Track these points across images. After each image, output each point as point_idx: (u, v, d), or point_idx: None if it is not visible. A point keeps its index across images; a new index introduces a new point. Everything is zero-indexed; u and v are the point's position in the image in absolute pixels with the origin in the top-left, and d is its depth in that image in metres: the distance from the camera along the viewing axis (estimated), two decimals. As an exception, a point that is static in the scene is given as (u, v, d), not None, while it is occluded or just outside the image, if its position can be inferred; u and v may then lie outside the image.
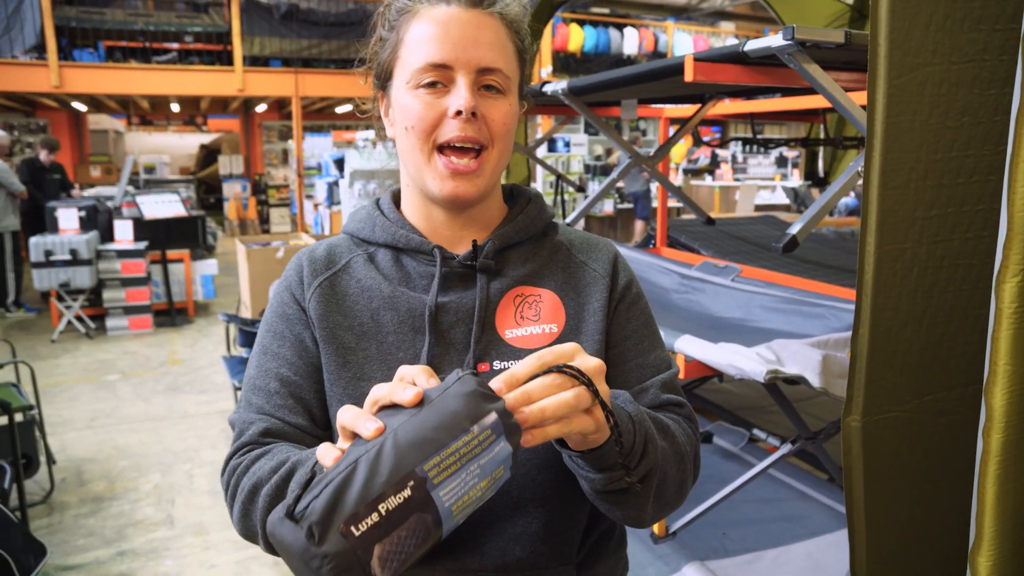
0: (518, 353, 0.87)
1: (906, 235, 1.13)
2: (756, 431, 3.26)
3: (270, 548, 0.80)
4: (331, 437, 0.90)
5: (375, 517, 0.60)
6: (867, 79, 1.05)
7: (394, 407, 0.66)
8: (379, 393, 0.67)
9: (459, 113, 0.81)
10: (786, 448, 1.99)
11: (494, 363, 0.86)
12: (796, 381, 1.71)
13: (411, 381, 0.68)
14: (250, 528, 0.82)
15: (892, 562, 1.30)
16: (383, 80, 0.89)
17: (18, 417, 3.05)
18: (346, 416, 0.66)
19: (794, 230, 1.63)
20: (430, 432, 0.62)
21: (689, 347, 1.83)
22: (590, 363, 0.71)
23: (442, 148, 0.84)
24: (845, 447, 1.22)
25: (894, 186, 1.11)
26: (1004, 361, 0.91)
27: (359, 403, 0.83)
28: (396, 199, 0.96)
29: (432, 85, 0.82)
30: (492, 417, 0.64)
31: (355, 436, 0.65)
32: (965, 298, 1.17)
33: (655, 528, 2.17)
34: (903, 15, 1.05)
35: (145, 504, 3.38)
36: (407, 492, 0.61)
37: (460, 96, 0.81)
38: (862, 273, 1.12)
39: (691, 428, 0.92)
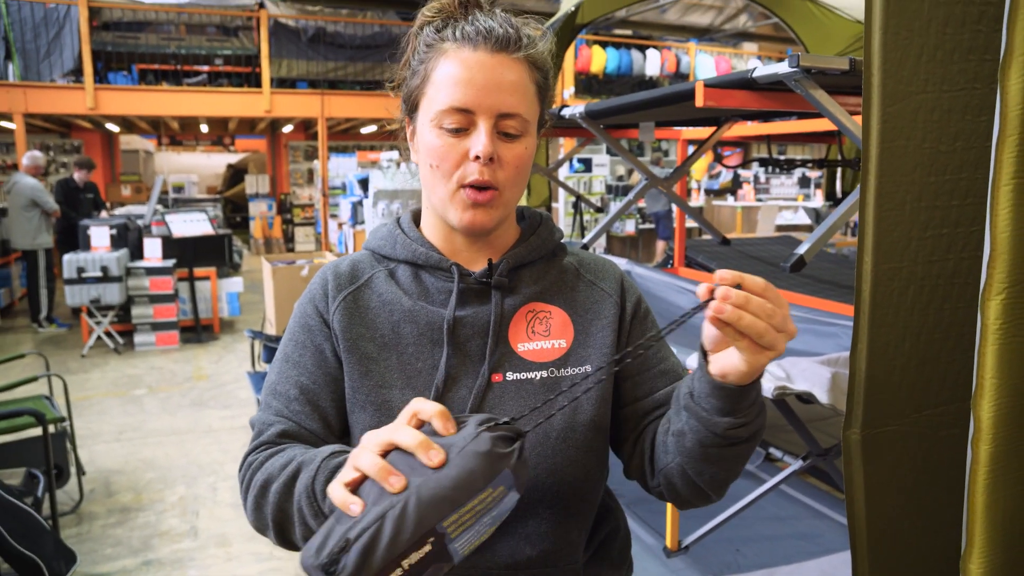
0: (529, 366, 0.93)
1: (902, 255, 1.18)
2: (772, 450, 3.28)
3: (281, 541, 0.86)
4: (345, 442, 0.95)
5: (399, 572, 0.66)
6: (862, 106, 1.10)
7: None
8: (402, 439, 0.69)
9: (478, 158, 0.87)
10: (797, 464, 2.02)
11: (507, 374, 0.92)
12: (806, 398, 1.74)
13: (427, 419, 0.71)
14: (261, 521, 0.87)
15: (893, 571, 1.33)
16: (410, 108, 0.95)
17: (51, 429, 3.15)
18: (369, 464, 0.68)
19: (802, 250, 1.67)
20: (449, 492, 0.67)
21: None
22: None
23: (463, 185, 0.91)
24: (846, 459, 1.25)
25: (890, 207, 1.16)
26: (990, 375, 0.95)
27: (381, 408, 0.90)
28: (416, 218, 1.03)
29: (455, 131, 0.88)
30: (505, 473, 0.69)
31: (366, 479, 0.69)
32: (961, 315, 1.22)
33: (668, 542, 2.20)
34: (895, 47, 1.10)
35: (170, 515, 3.46)
36: (428, 547, 0.67)
37: (480, 142, 0.87)
38: (859, 291, 1.17)
39: None
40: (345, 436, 0.95)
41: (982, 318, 0.95)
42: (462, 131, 0.88)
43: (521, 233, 1.01)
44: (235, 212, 14.65)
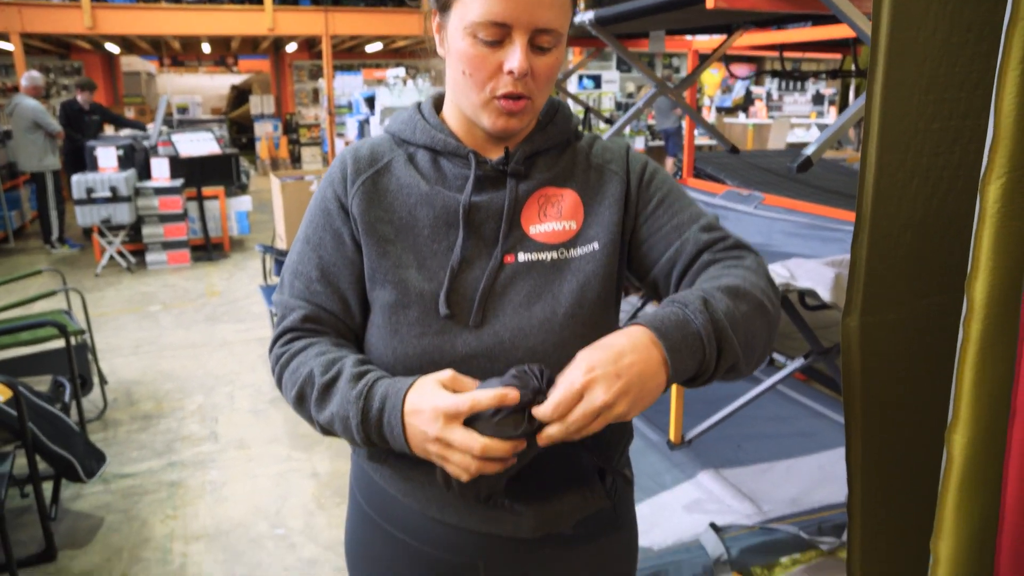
0: (540, 247, 0.96)
1: (907, 146, 1.20)
2: (776, 355, 3.36)
3: (325, 433, 0.94)
4: (365, 324, 1.00)
5: None
6: (873, -5, 1.10)
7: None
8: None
9: (512, 72, 0.88)
10: (799, 362, 2.09)
11: (519, 255, 0.96)
12: (809, 304, 1.79)
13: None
14: (303, 417, 0.95)
15: (887, 456, 1.40)
16: (442, 4, 0.94)
17: (72, 341, 3.24)
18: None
19: (809, 151, 1.69)
20: None
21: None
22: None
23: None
24: (844, 347, 1.30)
25: (897, 99, 1.17)
26: (986, 257, 0.99)
27: (398, 286, 0.94)
28: (437, 104, 1.05)
29: (489, 43, 0.89)
30: None
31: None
32: (963, 207, 1.24)
33: (671, 436, 2.29)
34: (909, -68, 1.09)
35: (191, 422, 3.60)
36: None
37: (515, 58, 0.88)
38: (863, 181, 1.19)
39: (750, 260, 0.97)
40: (365, 313, 0.99)
41: (981, 202, 0.98)
42: (496, 43, 0.89)
43: (538, 122, 1.03)
44: (240, 133, 14.51)
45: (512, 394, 0.79)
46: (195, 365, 4.31)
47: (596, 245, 0.97)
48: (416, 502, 1.00)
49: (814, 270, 1.89)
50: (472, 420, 0.81)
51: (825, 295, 1.76)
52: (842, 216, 2.62)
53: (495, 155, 0.99)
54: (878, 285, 1.26)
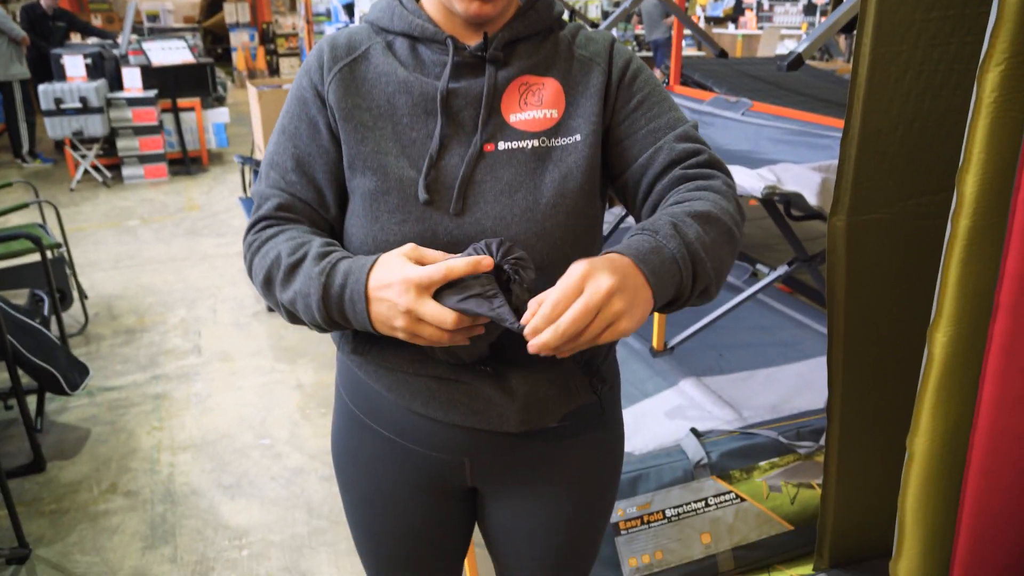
0: (521, 135, 0.94)
1: (903, 37, 1.15)
2: (759, 266, 3.36)
3: (291, 318, 0.93)
4: (340, 216, 0.99)
5: None
6: None
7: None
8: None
9: None
10: (782, 269, 2.08)
11: (499, 144, 0.93)
12: (795, 213, 1.76)
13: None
14: (270, 302, 0.94)
15: (866, 357, 1.41)
16: None
17: (48, 255, 3.18)
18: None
19: (800, 48, 1.63)
20: None
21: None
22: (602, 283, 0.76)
23: None
24: (830, 246, 1.29)
25: (894, -14, 1.12)
26: (978, 149, 0.96)
27: (378, 172, 0.93)
28: None
29: None
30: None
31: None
32: (956, 103, 1.20)
33: (654, 343, 2.30)
34: None
35: (174, 335, 3.58)
36: None
37: None
38: (855, 76, 1.15)
39: (720, 182, 0.95)
40: (340, 205, 0.98)
41: (977, 91, 0.94)
42: None
43: (519, 8, 0.98)
44: (215, 43, 14.00)
45: (486, 260, 0.79)
46: (176, 279, 4.27)
47: (578, 137, 0.95)
48: (400, 397, 1.00)
49: (801, 174, 1.86)
50: (439, 293, 0.80)
51: (812, 199, 1.73)
52: (830, 123, 2.57)
53: (474, 41, 0.95)
54: (866, 184, 1.23)
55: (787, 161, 2.36)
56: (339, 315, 0.86)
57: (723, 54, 2.73)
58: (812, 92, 3.29)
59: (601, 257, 0.80)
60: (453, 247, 0.90)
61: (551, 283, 0.87)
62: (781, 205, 2.73)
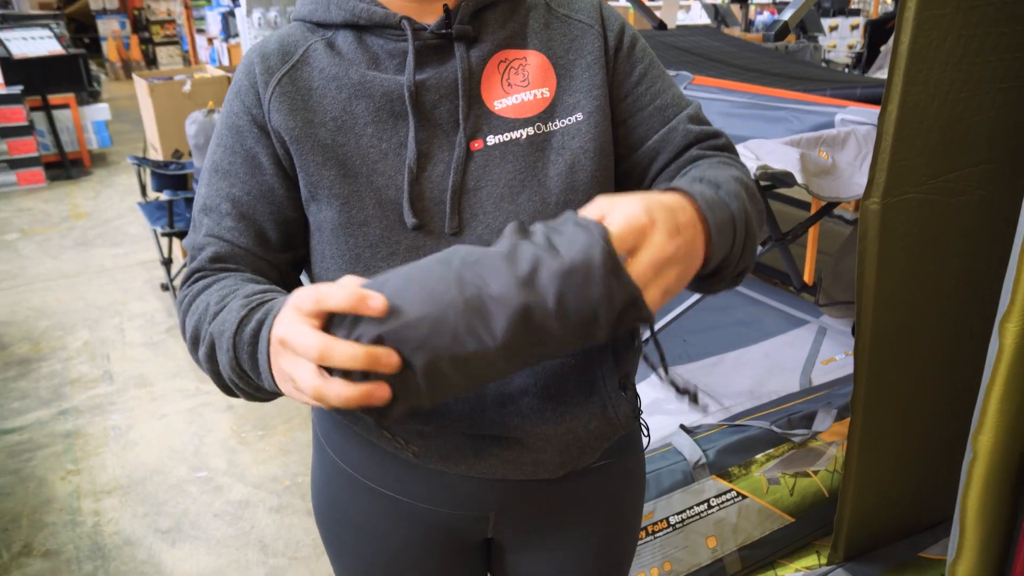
0: (511, 124, 0.78)
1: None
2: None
3: (226, 390, 0.74)
4: (290, 259, 0.82)
5: None
6: None
7: None
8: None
9: None
10: (757, 250, 2.00)
11: (487, 138, 0.77)
12: (781, 179, 1.67)
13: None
14: (203, 368, 0.74)
15: (895, 345, 1.33)
16: None
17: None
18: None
19: (785, 16, 1.52)
20: None
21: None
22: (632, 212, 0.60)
23: None
24: (861, 231, 1.19)
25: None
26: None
27: (348, 201, 0.76)
28: None
29: None
30: None
31: None
32: (991, 70, 1.12)
33: (630, 339, 2.19)
34: None
35: (78, 362, 3.22)
36: None
37: None
38: (897, 44, 1.04)
39: (743, 166, 0.84)
40: (288, 248, 0.81)
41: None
42: None
43: None
44: (80, 32, 12.96)
45: (376, 301, 0.56)
46: (72, 297, 3.86)
47: (579, 115, 0.80)
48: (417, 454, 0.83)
49: (778, 151, 1.77)
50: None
51: (799, 178, 1.65)
52: (778, 94, 2.51)
53: (432, 19, 0.78)
54: (903, 162, 1.13)
55: (743, 136, 2.28)
56: (248, 358, 0.66)
57: (662, 26, 2.62)
58: (743, 63, 3.24)
59: (661, 194, 0.63)
60: None
61: None
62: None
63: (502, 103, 0.78)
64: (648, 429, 0.97)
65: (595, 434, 0.84)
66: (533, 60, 0.80)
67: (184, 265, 0.84)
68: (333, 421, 0.89)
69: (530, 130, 0.78)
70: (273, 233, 0.79)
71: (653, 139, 0.83)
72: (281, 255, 0.81)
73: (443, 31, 0.76)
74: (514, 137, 0.77)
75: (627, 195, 0.61)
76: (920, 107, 1.09)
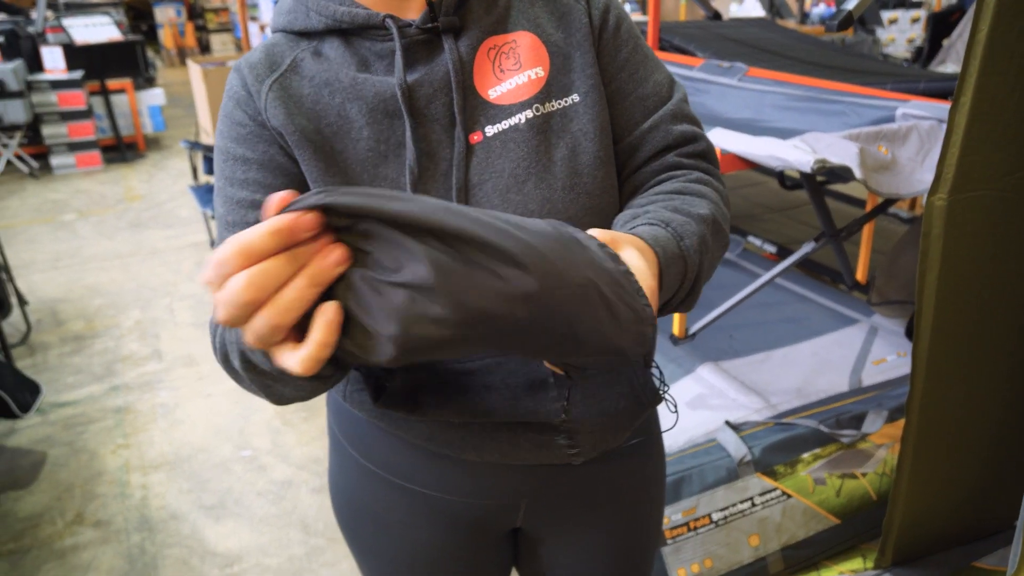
0: (508, 110, 0.75)
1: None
2: (751, 238, 3.25)
3: (268, 394, 0.69)
4: None
5: None
6: None
7: None
8: None
9: None
10: (810, 246, 1.95)
11: (486, 129, 0.75)
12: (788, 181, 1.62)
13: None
14: (234, 378, 0.70)
15: (955, 347, 1.28)
16: None
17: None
18: None
19: (849, 6, 1.48)
20: None
21: (724, 140, 1.72)
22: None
23: None
24: (925, 228, 1.15)
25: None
26: None
27: None
28: None
29: None
30: None
31: None
32: (1072, 61, 1.07)
33: (675, 329, 2.17)
34: None
35: (129, 340, 3.30)
36: None
37: None
38: (975, 32, 1.00)
39: (719, 183, 0.82)
40: None
41: None
42: None
43: None
44: (139, 20, 13.25)
45: (304, 219, 0.47)
46: (125, 277, 3.95)
47: (576, 96, 0.77)
48: (441, 447, 0.82)
49: (836, 145, 1.73)
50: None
51: (857, 172, 1.60)
52: (835, 87, 2.44)
53: (416, 14, 0.75)
54: (973, 157, 1.09)
55: (797, 129, 2.22)
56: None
57: (716, 16, 2.57)
58: (800, 55, 3.17)
59: (625, 234, 0.65)
60: None
61: None
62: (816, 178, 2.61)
63: (496, 91, 0.76)
64: (676, 405, 0.95)
65: (626, 413, 0.84)
66: (523, 41, 0.77)
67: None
68: (353, 418, 0.88)
69: (528, 113, 0.75)
70: None
71: (633, 135, 0.80)
72: None
73: (428, 25, 0.73)
74: (513, 124, 0.75)
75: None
76: (998, 99, 1.04)
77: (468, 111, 0.75)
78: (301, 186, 0.75)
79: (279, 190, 0.68)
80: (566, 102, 0.76)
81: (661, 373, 0.87)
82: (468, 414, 0.79)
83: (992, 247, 1.18)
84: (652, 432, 0.95)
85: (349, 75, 0.74)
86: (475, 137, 0.75)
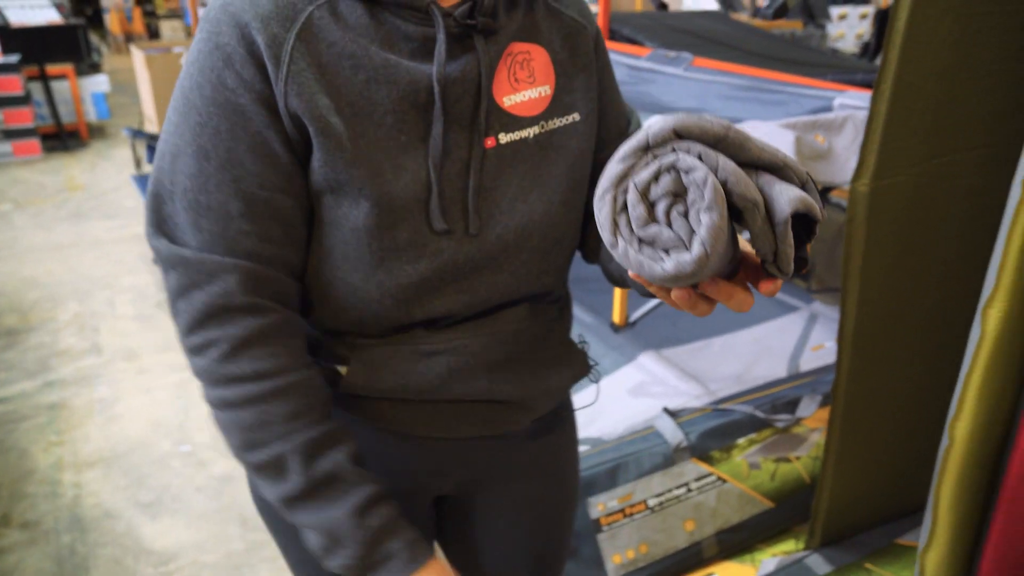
0: (520, 122, 0.74)
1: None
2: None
3: (256, 467, 0.71)
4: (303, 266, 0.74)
5: None
6: None
7: None
8: None
9: None
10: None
11: (499, 136, 0.74)
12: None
13: None
14: (241, 461, 0.73)
15: (879, 331, 1.30)
16: None
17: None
18: None
19: (782, -7, 1.48)
20: None
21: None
22: None
23: None
24: (849, 215, 1.16)
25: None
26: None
27: (379, 204, 0.69)
28: None
29: None
30: None
31: None
32: (991, 52, 1.09)
33: (615, 317, 2.17)
34: None
35: (66, 334, 3.20)
36: None
37: None
38: (894, 20, 1.01)
39: None
40: (304, 252, 0.74)
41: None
42: None
43: None
44: (83, 3, 12.86)
45: None
46: (63, 269, 3.83)
47: (577, 116, 0.78)
48: (391, 423, 0.82)
49: (773, 134, 1.74)
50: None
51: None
52: (779, 77, 2.47)
53: (447, 3, 0.70)
54: (894, 144, 1.10)
55: (740, 119, 2.24)
56: (355, 545, 0.72)
57: (662, 6, 2.58)
58: (747, 46, 3.19)
59: None
60: (474, 273, 0.75)
61: (533, 288, 0.80)
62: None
63: (511, 99, 0.74)
64: (596, 363, 0.96)
65: (564, 384, 0.88)
66: (537, 55, 0.76)
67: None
68: None
69: (536, 129, 0.75)
70: (302, 240, 0.72)
71: (606, 152, 0.83)
72: (301, 264, 0.74)
73: (468, 21, 0.69)
74: (523, 136, 0.75)
75: None
76: (915, 87, 1.06)
77: (487, 116, 0.73)
78: (287, 180, 0.69)
79: (268, 177, 0.68)
80: (566, 120, 0.77)
81: (585, 342, 0.94)
82: (415, 391, 0.79)
83: (913, 233, 1.20)
84: (568, 400, 0.99)
85: (378, 54, 0.67)
86: (490, 142, 0.73)
